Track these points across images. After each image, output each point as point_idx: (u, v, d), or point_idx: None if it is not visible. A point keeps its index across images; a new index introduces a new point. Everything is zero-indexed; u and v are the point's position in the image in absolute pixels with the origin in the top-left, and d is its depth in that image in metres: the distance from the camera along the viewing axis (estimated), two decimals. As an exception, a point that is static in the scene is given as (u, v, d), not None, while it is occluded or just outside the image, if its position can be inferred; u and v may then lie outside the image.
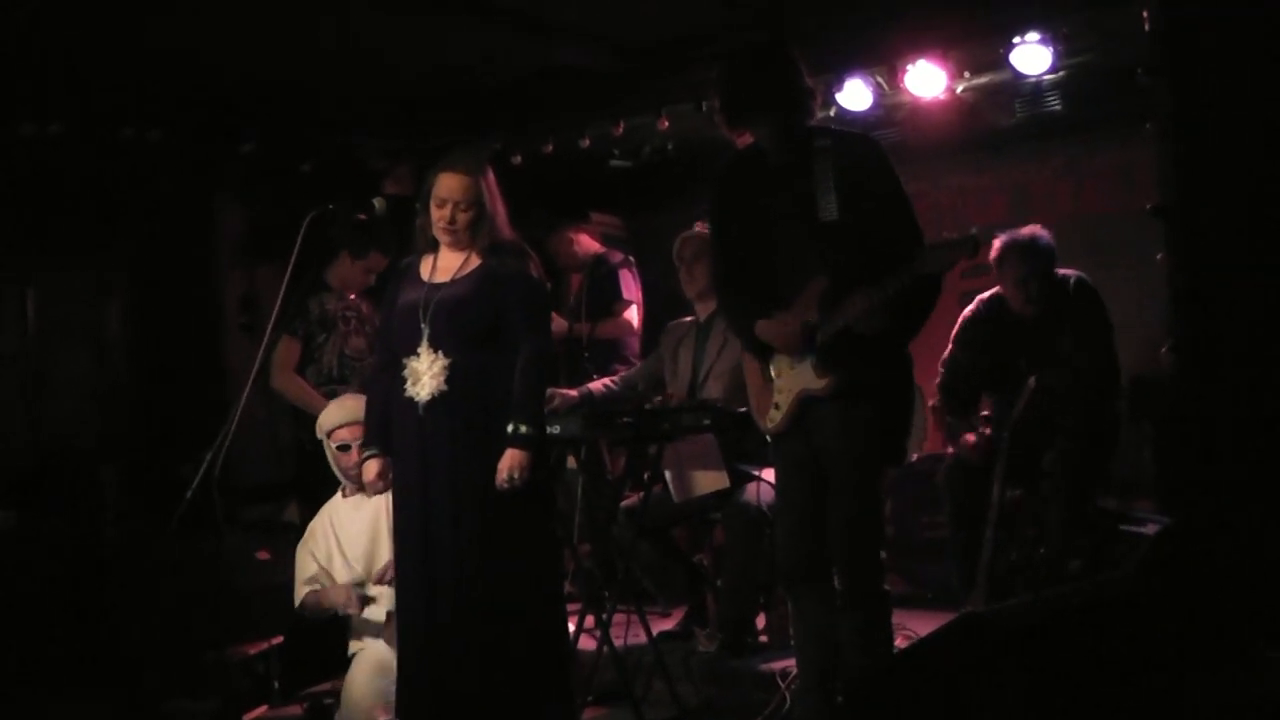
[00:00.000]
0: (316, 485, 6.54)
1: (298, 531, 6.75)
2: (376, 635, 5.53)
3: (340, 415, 5.72)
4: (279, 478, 7.60)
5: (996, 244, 6.10)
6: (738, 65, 4.72)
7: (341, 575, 5.63)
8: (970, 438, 6.15)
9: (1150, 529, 4.93)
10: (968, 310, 6.33)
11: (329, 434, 5.74)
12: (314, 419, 6.54)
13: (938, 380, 6.41)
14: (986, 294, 6.27)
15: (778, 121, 4.66)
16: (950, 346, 6.35)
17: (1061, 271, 6.10)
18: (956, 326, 6.36)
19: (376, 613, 5.52)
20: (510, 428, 4.95)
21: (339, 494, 5.77)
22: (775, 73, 4.64)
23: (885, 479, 4.80)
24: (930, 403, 6.49)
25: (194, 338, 8.15)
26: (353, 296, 6.84)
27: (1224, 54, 4.93)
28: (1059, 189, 7.63)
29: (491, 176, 5.16)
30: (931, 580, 6.79)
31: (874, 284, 4.46)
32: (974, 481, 6.06)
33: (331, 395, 6.53)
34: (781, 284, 4.71)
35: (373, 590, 5.58)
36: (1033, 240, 6.06)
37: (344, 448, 5.69)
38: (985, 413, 6.04)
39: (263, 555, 6.49)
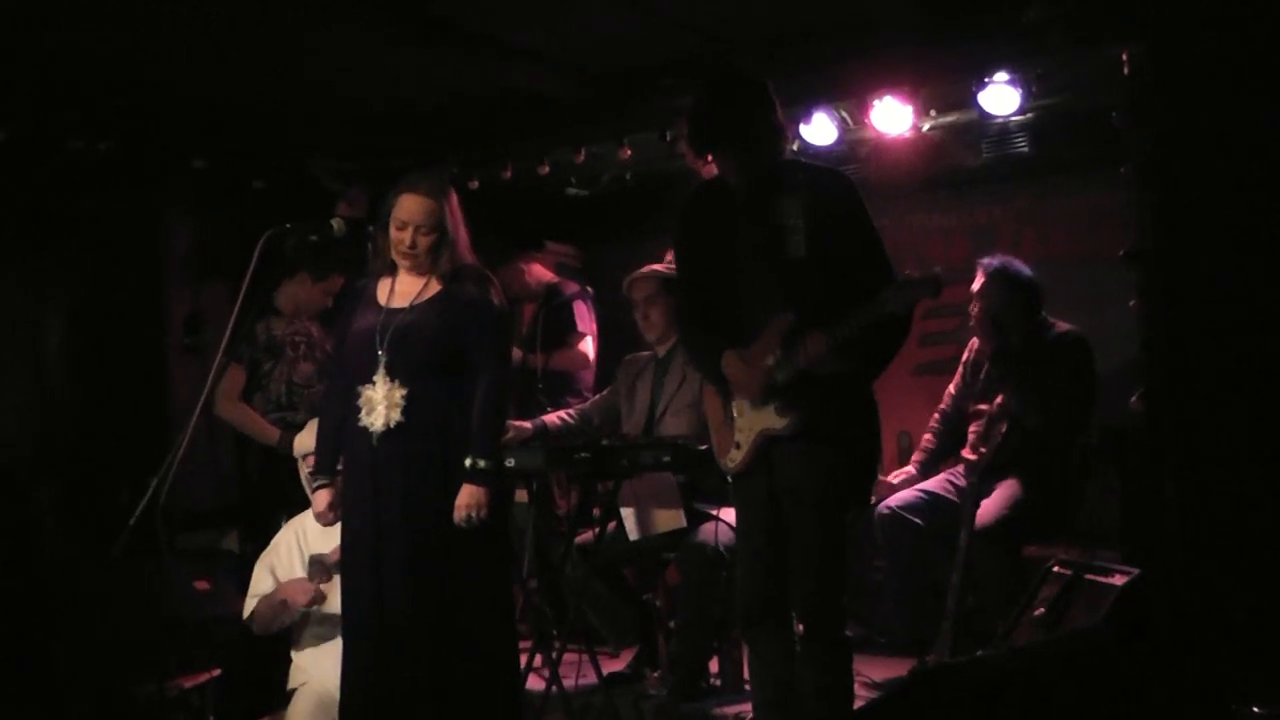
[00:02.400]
0: (259, 514, 6.46)
1: (237, 560, 6.66)
2: (330, 635, 5.39)
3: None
4: (219, 505, 7.48)
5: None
6: (709, 96, 4.68)
7: None
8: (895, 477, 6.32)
9: (1116, 580, 4.88)
10: (975, 339, 6.42)
11: (304, 457, 5.58)
12: (260, 446, 6.47)
13: (931, 424, 6.49)
14: None
15: (747, 155, 4.61)
16: (957, 372, 6.48)
17: (1060, 324, 6.18)
18: (965, 351, 6.49)
19: (333, 606, 5.35)
20: (468, 462, 4.88)
21: (309, 511, 5.63)
22: (747, 106, 4.60)
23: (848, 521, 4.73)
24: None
25: (136, 357, 7.99)
26: (303, 319, 6.74)
27: (1203, 98, 4.93)
28: (1024, 232, 7.60)
29: (455, 200, 5.11)
30: (884, 623, 6.75)
31: (835, 324, 4.41)
32: (909, 530, 6.10)
33: (281, 423, 6.46)
34: (745, 320, 4.65)
35: (325, 587, 5.47)
36: (1002, 269, 6.16)
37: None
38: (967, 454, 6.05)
39: (201, 585, 6.38)
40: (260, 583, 5.54)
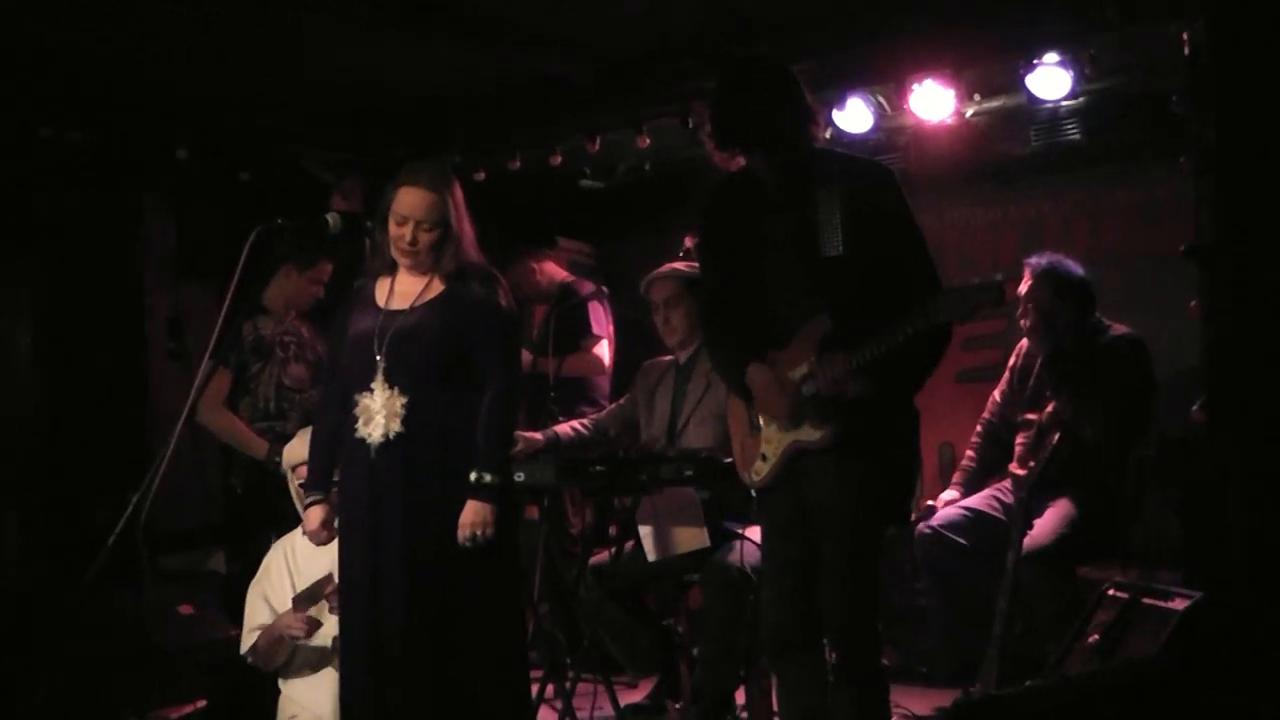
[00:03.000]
0: (246, 532, 6.46)
1: (224, 582, 6.66)
2: (321, 665, 5.40)
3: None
4: (204, 523, 7.50)
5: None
6: (731, 83, 4.65)
7: None
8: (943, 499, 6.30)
9: (1177, 604, 4.88)
10: (1023, 340, 6.39)
11: (294, 468, 5.61)
12: (247, 459, 6.49)
13: (973, 439, 6.48)
14: None
15: (775, 145, 4.59)
16: (1003, 378, 6.47)
17: (1116, 327, 6.16)
18: (1012, 355, 6.45)
19: (324, 637, 5.37)
20: (474, 476, 4.89)
21: (299, 529, 5.64)
22: (768, 93, 4.57)
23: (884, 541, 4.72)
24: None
25: (113, 364, 8.01)
26: (292, 318, 6.76)
27: (1271, 79, 4.90)
28: (1075, 226, 7.59)
29: (459, 193, 5.10)
30: (925, 652, 6.75)
31: (859, 343, 4.40)
32: (952, 550, 6.10)
33: (270, 432, 6.48)
34: (776, 324, 4.64)
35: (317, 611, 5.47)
36: (1052, 269, 6.14)
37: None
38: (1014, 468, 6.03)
39: (185, 610, 6.40)
40: (256, 614, 5.54)
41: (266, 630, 5.45)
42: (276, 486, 6.08)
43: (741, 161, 4.72)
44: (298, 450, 5.58)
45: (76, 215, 7.96)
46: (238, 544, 6.70)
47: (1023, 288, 6.15)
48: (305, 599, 5.33)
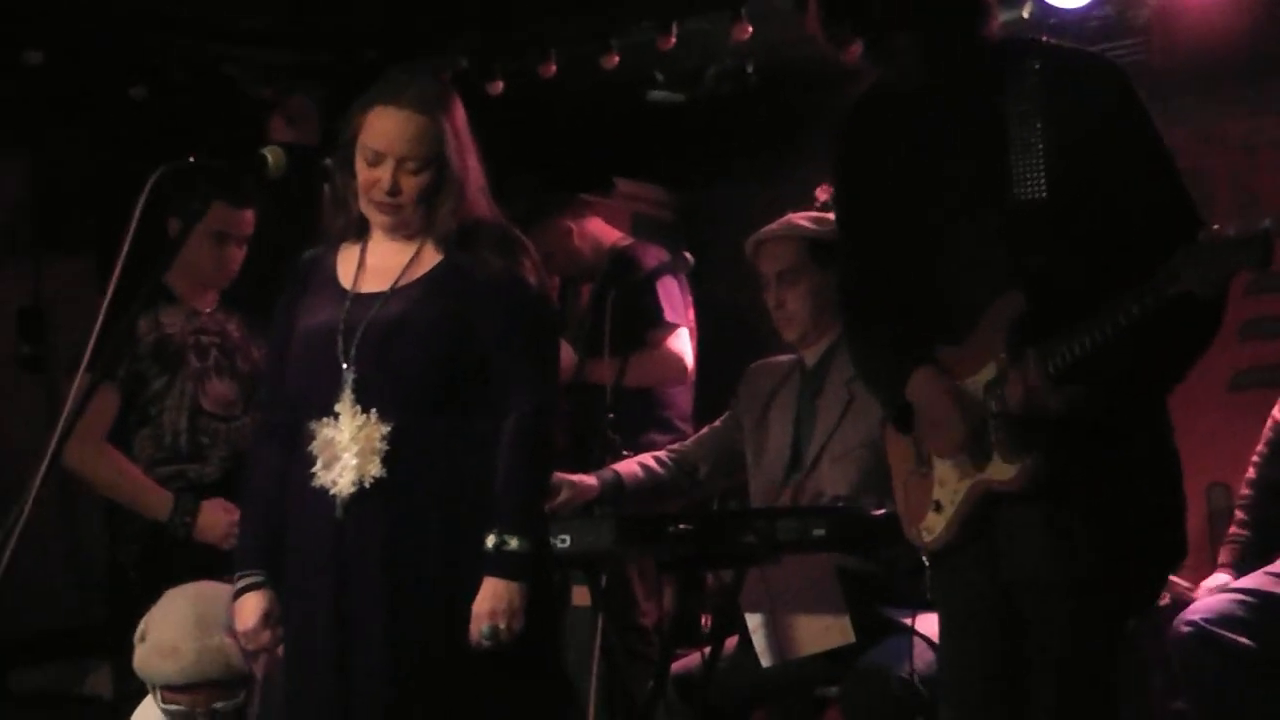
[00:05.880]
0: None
1: (106, 712, 6.71)
2: None
3: (174, 663, 5.37)
4: (78, 622, 7.55)
5: None
6: None
7: None
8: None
9: None
10: None
11: (155, 688, 5.43)
12: (140, 522, 6.47)
13: (1242, 490, 6.46)
14: None
15: (931, 38, 4.57)
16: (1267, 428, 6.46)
17: None
18: None
19: None
20: (491, 542, 4.90)
21: None
22: None
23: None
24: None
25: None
26: (212, 306, 6.78)
27: None
28: None
29: (460, 115, 5.13)
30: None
31: (1097, 312, 4.34)
32: (1227, 655, 6.10)
33: (179, 480, 6.50)
34: (949, 307, 4.66)
35: None
36: None
37: (183, 716, 5.39)
38: None
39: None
40: None
41: None
42: (189, 563, 6.10)
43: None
44: (160, 662, 5.40)
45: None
46: (128, 654, 6.73)
47: None
48: None
